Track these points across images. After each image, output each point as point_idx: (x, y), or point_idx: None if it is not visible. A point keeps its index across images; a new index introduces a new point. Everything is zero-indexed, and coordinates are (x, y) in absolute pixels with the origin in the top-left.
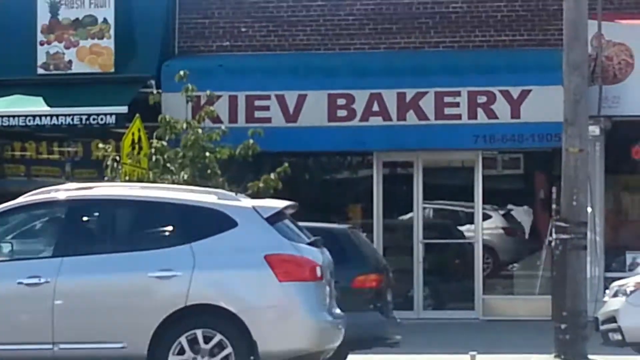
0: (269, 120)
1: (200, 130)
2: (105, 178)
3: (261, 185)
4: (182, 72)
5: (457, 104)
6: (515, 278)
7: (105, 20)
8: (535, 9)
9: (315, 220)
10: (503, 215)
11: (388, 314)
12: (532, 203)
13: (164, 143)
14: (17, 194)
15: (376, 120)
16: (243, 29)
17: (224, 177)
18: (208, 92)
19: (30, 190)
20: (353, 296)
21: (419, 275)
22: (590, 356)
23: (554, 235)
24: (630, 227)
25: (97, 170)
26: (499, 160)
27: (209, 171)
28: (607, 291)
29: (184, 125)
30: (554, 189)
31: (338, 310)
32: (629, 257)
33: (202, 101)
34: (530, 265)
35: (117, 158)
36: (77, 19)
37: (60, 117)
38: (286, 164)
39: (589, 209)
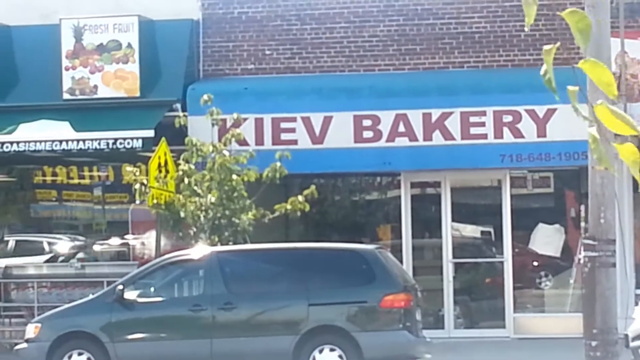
0: (295, 142)
1: (227, 153)
2: (137, 202)
3: (289, 207)
4: (206, 96)
5: (483, 124)
6: (546, 296)
7: (129, 45)
8: (558, 27)
9: (344, 241)
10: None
11: (417, 333)
12: (564, 221)
13: (192, 166)
14: (49, 218)
15: (402, 141)
16: (267, 52)
17: (251, 200)
18: (235, 115)
19: (61, 215)
20: (382, 316)
21: (449, 294)
22: None
23: (582, 253)
24: None
25: (128, 194)
26: (529, 179)
27: (235, 194)
28: (636, 308)
29: (210, 148)
30: (582, 207)
31: None
32: None
33: (228, 124)
34: (561, 283)
35: (145, 182)
36: (101, 44)
37: (87, 142)
38: (313, 186)
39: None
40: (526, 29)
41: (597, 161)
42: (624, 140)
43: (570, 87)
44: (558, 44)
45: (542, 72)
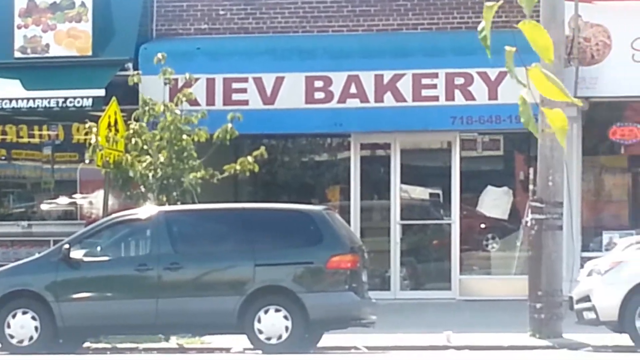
0: (246, 102)
1: (178, 112)
2: (86, 161)
3: (238, 167)
4: (160, 55)
5: (435, 86)
6: (493, 258)
7: (82, 4)
8: None
9: (293, 202)
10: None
11: (363, 294)
12: (512, 184)
13: (143, 124)
14: None
15: (354, 102)
16: (221, 12)
17: (200, 160)
18: (187, 75)
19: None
20: (328, 277)
21: (396, 256)
22: (564, 335)
23: (530, 216)
24: (607, 207)
25: (78, 154)
26: (479, 142)
27: (185, 154)
28: (581, 270)
29: (162, 108)
30: (531, 170)
31: None
32: (606, 237)
33: (180, 84)
34: (508, 246)
35: (99, 139)
36: (54, 2)
37: (37, 100)
38: (263, 148)
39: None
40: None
41: (524, 124)
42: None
43: (507, 48)
44: (500, 1)
45: (479, 28)
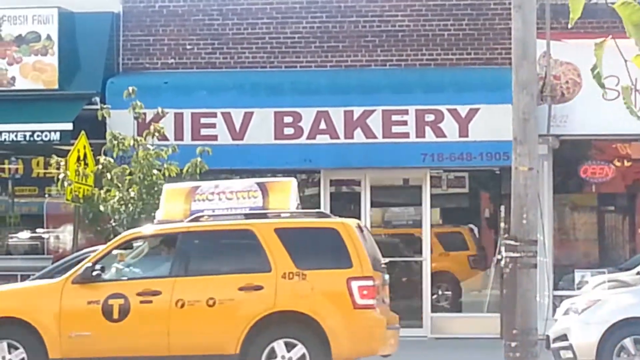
0: (215, 138)
1: (149, 147)
2: (47, 195)
3: None
4: (130, 89)
5: (405, 122)
6: (464, 296)
7: (48, 37)
8: (482, 27)
9: None
10: None
11: None
12: (478, 221)
13: (111, 160)
14: None
15: (323, 139)
16: (188, 47)
17: None
18: (159, 109)
19: None
20: None
21: None
22: None
23: (503, 254)
24: (578, 245)
25: (37, 188)
26: (443, 179)
27: (155, 188)
28: (558, 309)
29: (131, 142)
30: (502, 208)
31: None
32: (578, 275)
33: (148, 118)
34: (478, 284)
35: (68, 173)
36: (20, 35)
37: (3, 134)
38: None
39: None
40: (570, 25)
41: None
42: None
43: (624, 85)
44: (609, 37)
45: (591, 67)
